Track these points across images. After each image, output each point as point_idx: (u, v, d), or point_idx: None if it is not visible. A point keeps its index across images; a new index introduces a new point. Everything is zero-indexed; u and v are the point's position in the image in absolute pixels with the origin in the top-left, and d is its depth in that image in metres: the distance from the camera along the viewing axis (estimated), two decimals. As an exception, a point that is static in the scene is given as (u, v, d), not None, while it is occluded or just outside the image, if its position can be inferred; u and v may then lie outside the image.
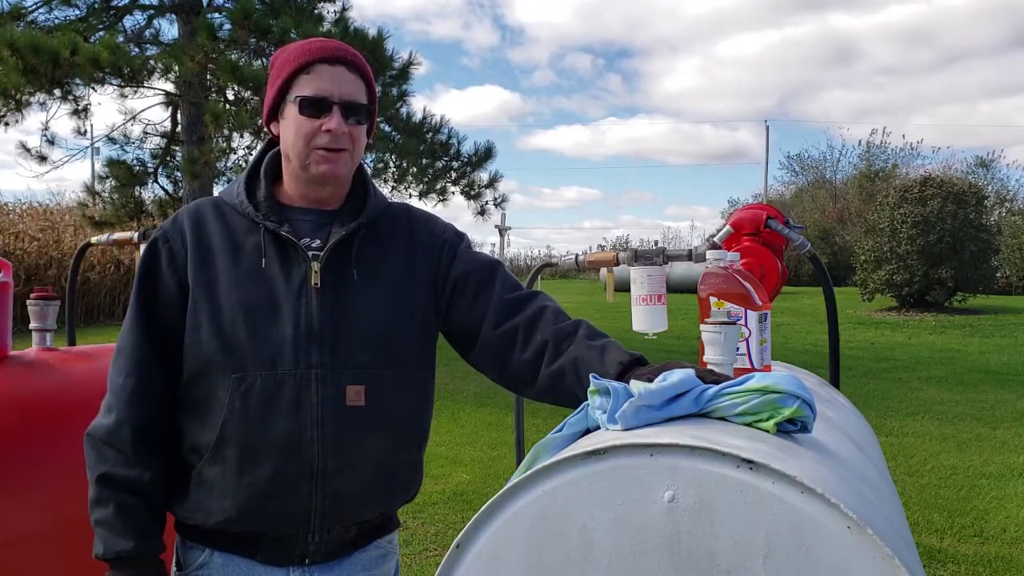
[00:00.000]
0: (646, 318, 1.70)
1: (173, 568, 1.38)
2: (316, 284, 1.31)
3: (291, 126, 1.32)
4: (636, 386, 1.05)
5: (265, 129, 1.41)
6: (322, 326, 1.30)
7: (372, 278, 1.36)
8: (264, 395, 1.27)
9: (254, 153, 1.41)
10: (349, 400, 1.30)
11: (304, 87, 1.31)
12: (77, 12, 9.61)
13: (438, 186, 11.15)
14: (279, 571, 1.32)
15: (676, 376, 1.05)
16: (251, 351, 1.27)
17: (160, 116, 16.89)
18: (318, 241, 1.34)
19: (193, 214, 1.36)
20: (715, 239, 2.01)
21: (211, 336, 1.28)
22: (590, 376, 1.13)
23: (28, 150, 10.02)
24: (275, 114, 1.36)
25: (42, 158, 10.11)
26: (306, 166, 1.32)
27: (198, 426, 1.30)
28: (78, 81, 8.41)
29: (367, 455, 1.32)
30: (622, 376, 1.19)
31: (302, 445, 1.27)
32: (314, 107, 1.30)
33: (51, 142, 10.13)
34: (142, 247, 1.34)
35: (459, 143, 11.03)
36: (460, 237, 1.48)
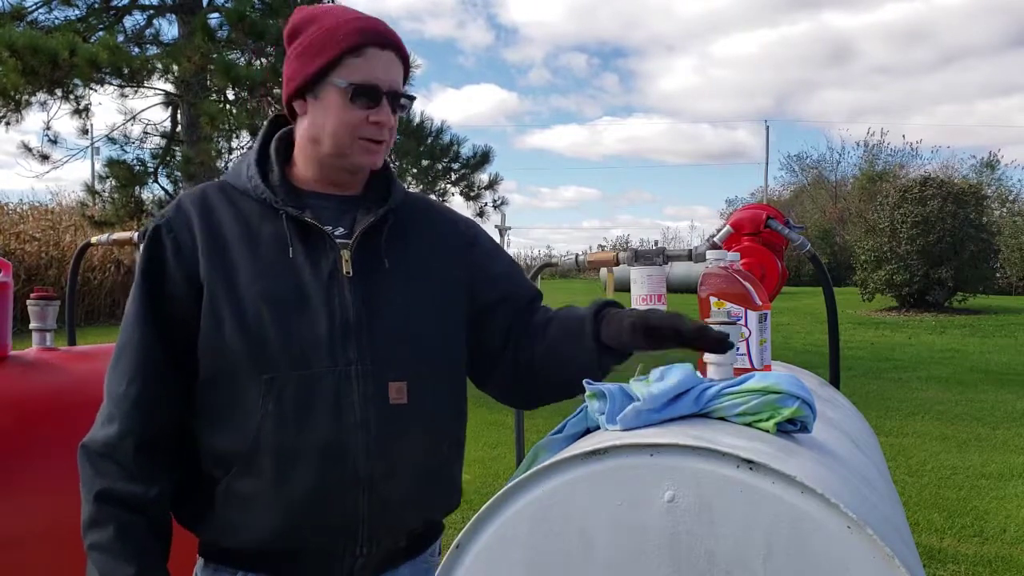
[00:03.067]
0: (646, 318, 1.70)
1: None
2: (348, 273, 1.20)
3: (333, 112, 1.20)
4: (636, 388, 1.05)
5: (281, 105, 1.27)
6: (358, 318, 1.19)
7: (404, 268, 1.26)
8: (300, 396, 1.14)
9: (259, 133, 1.32)
10: (392, 398, 1.19)
11: (354, 72, 1.19)
12: (77, 12, 9.61)
13: (438, 187, 11.15)
14: None
15: (675, 376, 1.06)
16: (282, 348, 1.15)
17: (160, 116, 16.90)
18: (341, 228, 1.23)
19: (198, 200, 1.22)
20: (715, 239, 2.01)
21: (235, 333, 1.14)
22: (584, 382, 1.12)
23: (30, 150, 10.03)
24: (304, 92, 1.22)
25: (44, 157, 10.11)
26: (344, 155, 1.22)
27: (223, 434, 1.16)
28: (78, 81, 8.41)
29: (412, 457, 1.21)
30: (599, 315, 1.23)
31: (346, 449, 1.15)
32: (365, 96, 1.19)
33: (53, 141, 10.13)
34: (144, 243, 1.21)
35: (459, 145, 11.05)
36: (480, 235, 1.41)
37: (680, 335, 1.13)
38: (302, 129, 1.24)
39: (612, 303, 1.27)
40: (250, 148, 1.30)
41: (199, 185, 1.28)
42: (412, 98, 1.27)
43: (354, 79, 1.19)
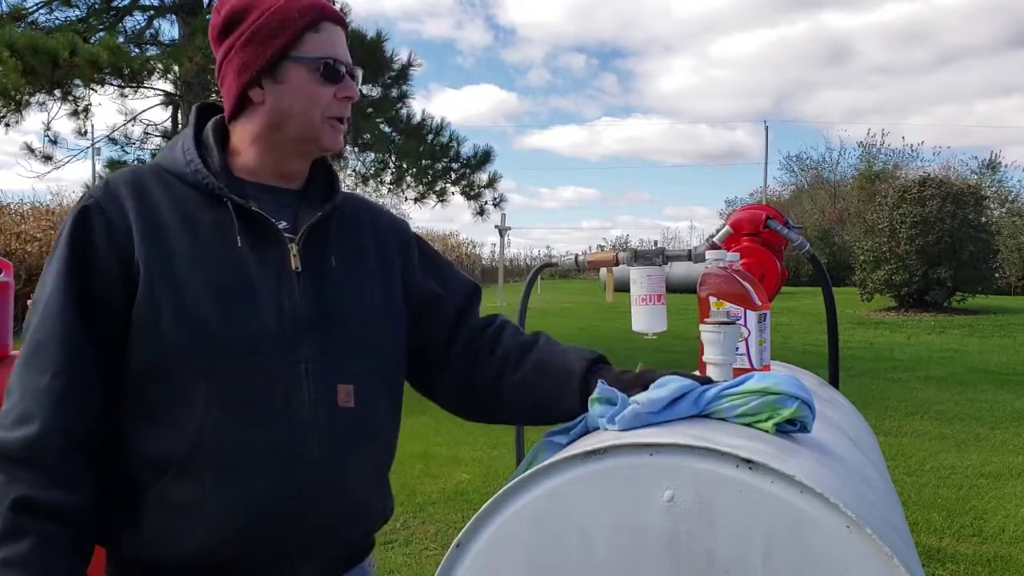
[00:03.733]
0: (646, 318, 1.70)
1: None
2: (297, 268, 1.14)
3: (301, 91, 1.14)
4: (638, 397, 1.05)
5: (232, 90, 1.17)
6: (309, 316, 1.13)
7: (350, 266, 1.21)
8: (247, 394, 1.06)
9: (189, 121, 1.23)
10: (341, 400, 1.13)
11: (317, 48, 1.14)
12: (77, 13, 9.62)
13: (437, 187, 11.15)
14: None
15: (673, 383, 1.06)
16: (228, 341, 1.06)
17: (160, 116, 16.91)
18: (284, 222, 1.17)
19: (131, 181, 1.12)
20: (714, 239, 2.02)
21: (175, 324, 1.05)
22: (598, 381, 1.11)
23: (33, 151, 10.04)
24: (261, 77, 1.14)
25: (47, 158, 10.12)
26: (312, 137, 1.17)
27: (159, 435, 1.06)
28: (78, 82, 8.41)
29: (358, 463, 1.16)
30: (588, 373, 1.20)
31: (296, 453, 1.08)
32: (333, 72, 1.15)
33: (54, 142, 10.14)
34: (69, 225, 1.09)
35: (459, 145, 11.04)
36: (414, 235, 1.37)
37: None
38: (259, 117, 1.16)
39: (601, 358, 1.24)
40: (178, 134, 1.23)
41: (128, 167, 1.19)
42: (360, 73, 1.23)
43: (320, 54, 1.14)
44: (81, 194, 1.14)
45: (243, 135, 1.19)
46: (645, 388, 1.10)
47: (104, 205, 1.09)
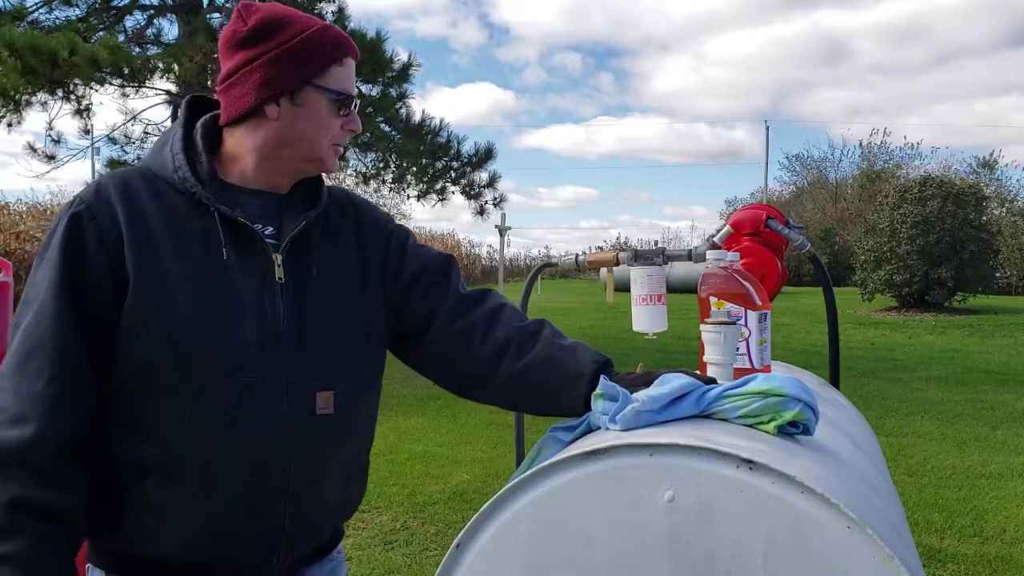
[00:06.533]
0: (646, 318, 1.70)
1: None
2: (281, 279, 1.17)
3: (316, 118, 1.19)
4: (639, 394, 1.05)
5: (248, 100, 1.18)
6: (289, 327, 1.16)
7: (331, 275, 1.24)
8: (229, 407, 1.10)
9: (179, 118, 1.25)
10: (319, 408, 1.17)
11: (337, 81, 1.20)
12: (77, 12, 9.62)
13: (437, 186, 11.15)
14: None
15: (676, 382, 1.06)
16: (212, 357, 1.10)
17: (161, 116, 16.91)
18: (270, 228, 1.20)
19: (121, 187, 1.14)
20: (715, 239, 2.02)
21: (160, 340, 1.08)
22: (600, 378, 1.13)
23: (35, 150, 10.04)
24: (280, 96, 1.18)
25: (50, 158, 10.13)
26: (316, 159, 1.22)
27: (142, 442, 1.10)
28: (78, 81, 8.42)
29: (333, 467, 1.21)
30: (596, 377, 1.19)
31: (272, 461, 1.13)
32: (345, 104, 1.22)
33: (56, 141, 10.15)
34: (60, 229, 1.10)
35: (459, 144, 11.05)
36: (405, 231, 1.39)
37: None
38: (268, 131, 1.19)
39: (609, 362, 1.24)
40: (168, 131, 1.24)
41: (119, 170, 1.20)
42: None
43: (340, 87, 1.20)
44: (74, 197, 1.15)
45: (244, 142, 1.21)
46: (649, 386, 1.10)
47: (95, 212, 1.11)
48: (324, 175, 1.31)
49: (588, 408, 1.16)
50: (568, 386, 1.22)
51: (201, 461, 1.10)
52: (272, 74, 1.17)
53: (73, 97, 9.36)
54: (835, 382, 2.14)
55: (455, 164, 11.15)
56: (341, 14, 9.67)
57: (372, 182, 10.65)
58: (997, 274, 20.29)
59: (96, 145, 11.69)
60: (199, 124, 1.23)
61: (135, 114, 10.34)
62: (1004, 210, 28.19)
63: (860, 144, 36.87)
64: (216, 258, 1.13)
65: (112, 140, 10.44)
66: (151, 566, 1.13)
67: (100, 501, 1.12)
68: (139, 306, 1.08)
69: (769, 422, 1.00)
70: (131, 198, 1.13)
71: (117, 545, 1.13)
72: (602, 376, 1.13)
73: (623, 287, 1.70)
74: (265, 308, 1.15)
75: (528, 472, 0.94)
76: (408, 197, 11.28)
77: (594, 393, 1.11)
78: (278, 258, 1.18)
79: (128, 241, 1.10)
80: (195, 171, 1.17)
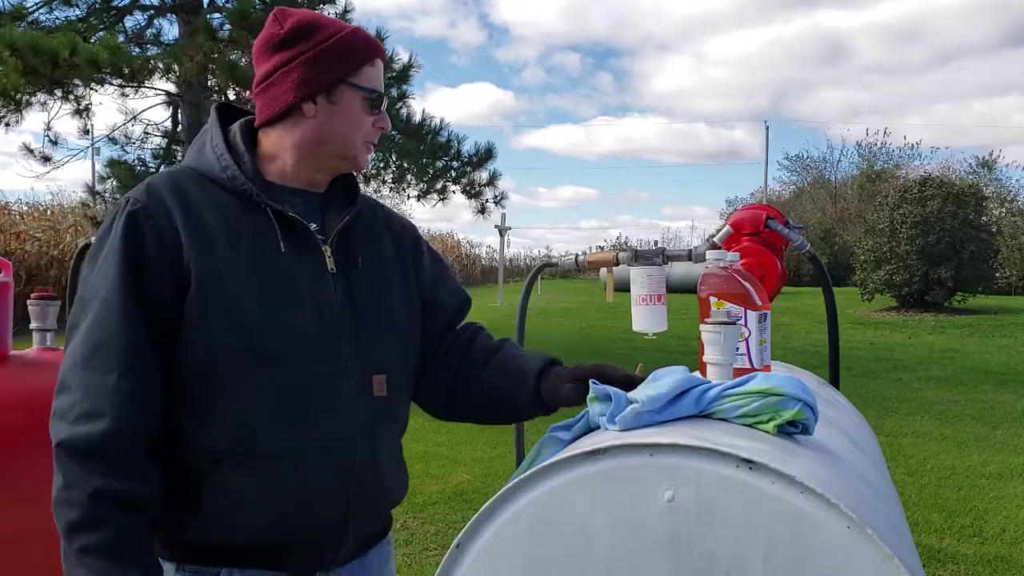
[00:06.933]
0: (646, 318, 1.70)
1: None
2: (332, 269, 1.24)
3: (348, 114, 1.25)
4: (636, 394, 1.05)
5: (285, 99, 1.24)
6: (343, 314, 1.23)
7: (374, 267, 1.32)
8: (295, 391, 1.16)
9: (211, 122, 1.30)
10: (375, 391, 1.24)
11: (370, 79, 1.27)
12: (77, 12, 9.62)
13: (438, 185, 11.15)
14: None
15: (671, 378, 1.06)
16: (277, 342, 1.16)
17: (161, 116, 16.92)
18: (314, 224, 1.26)
19: (172, 187, 1.19)
20: (715, 239, 2.02)
21: (227, 328, 1.13)
22: (590, 383, 1.16)
23: (31, 151, 10.04)
24: (316, 94, 1.24)
25: (46, 159, 10.12)
26: (350, 156, 1.28)
27: (215, 429, 1.15)
28: (78, 81, 8.41)
29: (386, 449, 1.28)
30: (543, 372, 1.32)
31: (339, 442, 1.19)
32: (377, 103, 1.28)
33: (54, 142, 10.14)
34: (120, 227, 1.14)
35: (459, 143, 11.05)
36: (422, 239, 1.49)
37: (613, 381, 1.19)
38: (304, 128, 1.25)
39: (557, 360, 1.36)
40: (201, 135, 1.29)
41: (164, 171, 1.27)
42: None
43: (372, 86, 1.27)
44: (126, 195, 1.20)
45: (281, 141, 1.26)
46: (580, 381, 1.25)
47: (151, 211, 1.15)
48: (356, 173, 1.37)
49: (539, 403, 1.31)
50: (520, 383, 1.33)
51: (272, 445, 1.15)
52: (309, 73, 1.23)
53: (72, 97, 9.36)
54: (835, 382, 2.14)
55: (455, 164, 11.15)
56: (344, 15, 9.68)
57: (372, 182, 10.66)
58: (997, 274, 20.28)
59: (96, 145, 11.68)
60: (236, 127, 1.29)
61: (135, 114, 10.33)
62: (1004, 210, 28.18)
63: (858, 144, 36.83)
64: (273, 251, 1.19)
65: (112, 140, 10.44)
66: (227, 552, 1.17)
67: (176, 491, 1.15)
68: (203, 299, 1.13)
69: (768, 421, 1.00)
70: (184, 197, 1.18)
71: (194, 534, 1.17)
72: (592, 381, 1.16)
73: (623, 287, 1.70)
74: (320, 296, 1.21)
75: (528, 472, 0.94)
76: (408, 197, 11.30)
77: (589, 396, 1.14)
78: (327, 250, 1.25)
79: (185, 238, 1.15)
80: (241, 170, 1.23)
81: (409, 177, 10.91)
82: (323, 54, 1.23)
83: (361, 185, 1.41)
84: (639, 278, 1.71)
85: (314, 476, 1.17)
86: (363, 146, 1.29)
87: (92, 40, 8.60)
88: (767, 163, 54.08)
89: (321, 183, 1.32)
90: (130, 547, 1.08)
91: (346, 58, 1.24)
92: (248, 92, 8.78)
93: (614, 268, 1.88)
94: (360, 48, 1.26)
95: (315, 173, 1.29)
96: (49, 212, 16.62)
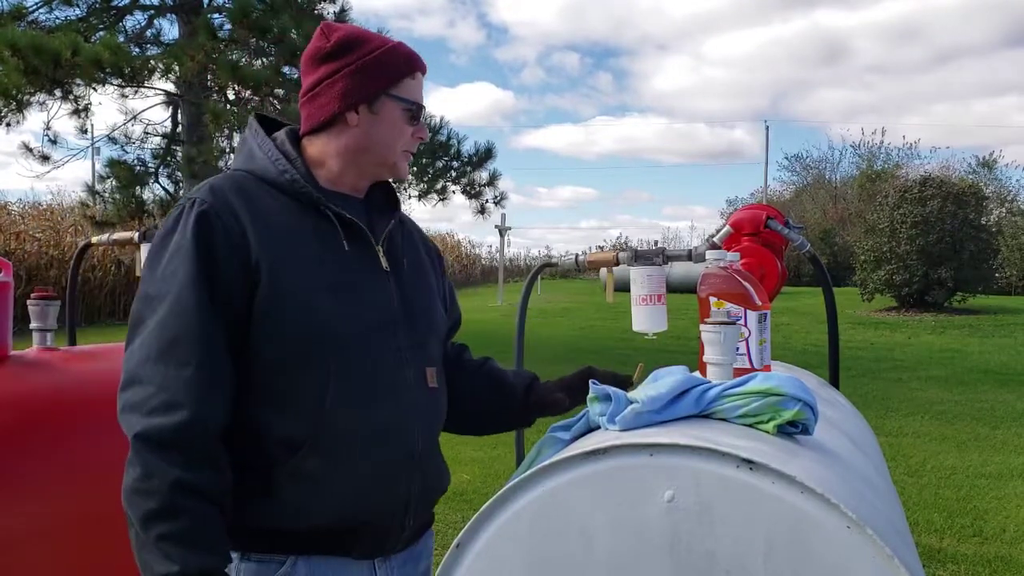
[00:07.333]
0: (646, 318, 1.70)
1: None
2: (387, 268, 1.33)
3: (389, 124, 1.32)
4: (637, 394, 1.06)
5: (330, 108, 1.30)
6: (399, 309, 1.31)
7: (416, 268, 1.41)
8: (363, 379, 1.23)
9: (253, 131, 1.35)
10: (430, 382, 1.33)
11: (411, 92, 1.33)
12: (78, 12, 9.62)
13: (438, 185, 11.16)
14: (366, 564, 1.26)
15: (671, 377, 1.06)
16: (346, 333, 1.23)
17: (161, 116, 16.91)
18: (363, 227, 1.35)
19: (234, 188, 1.25)
20: (715, 239, 2.02)
21: (298, 320, 1.20)
22: (589, 383, 1.19)
23: (31, 150, 10.04)
24: (359, 104, 1.29)
25: (45, 158, 10.13)
26: (390, 164, 1.35)
27: (289, 417, 1.20)
28: (79, 81, 8.41)
29: (437, 437, 1.37)
30: (530, 388, 1.45)
31: (404, 428, 1.26)
32: (416, 114, 1.34)
33: (53, 142, 10.14)
34: (191, 226, 1.19)
35: (459, 143, 11.05)
36: (440, 257, 1.58)
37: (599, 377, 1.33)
38: (348, 137, 1.31)
39: (536, 377, 1.50)
40: (245, 142, 1.35)
41: (222, 174, 1.31)
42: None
43: (413, 97, 1.33)
44: (188, 196, 1.22)
45: (326, 148, 1.33)
46: (568, 390, 1.40)
47: (219, 210, 1.20)
48: (393, 180, 1.45)
49: (524, 416, 1.45)
50: (508, 395, 1.45)
51: (344, 431, 1.21)
52: (353, 84, 1.29)
53: (71, 97, 9.36)
54: (835, 382, 2.14)
55: (455, 164, 11.16)
56: (342, 14, 9.68)
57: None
58: (997, 274, 20.27)
59: (96, 145, 11.69)
60: (282, 134, 1.35)
61: (135, 114, 10.34)
62: (1004, 210, 28.16)
63: (857, 145, 36.83)
64: (336, 248, 1.27)
65: (112, 140, 10.45)
66: (295, 539, 1.21)
67: (249, 479, 1.19)
68: (275, 294, 1.19)
69: (768, 421, 1.00)
70: (247, 197, 1.24)
71: (267, 521, 1.20)
72: (592, 381, 1.21)
73: (623, 287, 1.70)
74: (379, 293, 1.30)
75: (528, 472, 0.94)
76: (408, 197, 11.31)
77: (589, 397, 1.16)
78: (380, 250, 1.33)
79: (253, 237, 1.20)
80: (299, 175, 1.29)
81: (409, 177, 10.92)
82: (366, 66, 1.29)
83: None
84: (639, 278, 1.71)
85: (384, 460, 1.24)
86: (402, 155, 1.35)
87: (92, 40, 8.60)
88: (767, 163, 54.11)
89: (363, 189, 1.38)
90: (207, 536, 1.12)
91: (388, 71, 1.31)
92: (248, 91, 8.80)
93: (614, 268, 1.88)
94: (401, 62, 1.32)
95: (358, 179, 1.36)
96: (49, 212, 16.62)
